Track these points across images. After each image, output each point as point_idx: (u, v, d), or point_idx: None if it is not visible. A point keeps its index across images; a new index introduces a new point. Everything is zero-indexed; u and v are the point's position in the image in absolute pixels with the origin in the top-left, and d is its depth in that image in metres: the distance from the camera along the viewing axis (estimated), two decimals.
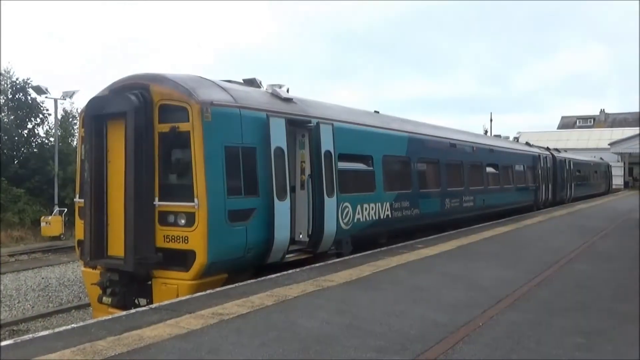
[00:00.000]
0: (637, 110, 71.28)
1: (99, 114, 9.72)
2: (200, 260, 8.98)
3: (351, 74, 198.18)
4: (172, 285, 9.12)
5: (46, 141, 31.24)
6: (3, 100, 29.46)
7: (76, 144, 21.85)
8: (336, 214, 11.63)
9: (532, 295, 8.32)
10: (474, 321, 6.77)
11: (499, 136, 33.34)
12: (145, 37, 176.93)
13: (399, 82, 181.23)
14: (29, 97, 29.99)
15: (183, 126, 9.15)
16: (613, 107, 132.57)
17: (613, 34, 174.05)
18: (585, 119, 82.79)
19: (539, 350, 5.75)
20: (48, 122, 31.00)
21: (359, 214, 12.59)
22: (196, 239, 9.00)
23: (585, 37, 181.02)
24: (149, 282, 9.48)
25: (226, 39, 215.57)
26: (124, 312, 7.26)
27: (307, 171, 11.25)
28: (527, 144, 30.74)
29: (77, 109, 32.34)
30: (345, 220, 12.06)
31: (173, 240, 9.18)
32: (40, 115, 30.76)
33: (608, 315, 7.22)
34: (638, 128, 59.37)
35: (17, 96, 29.82)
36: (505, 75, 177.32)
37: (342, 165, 12.07)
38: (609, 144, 59.11)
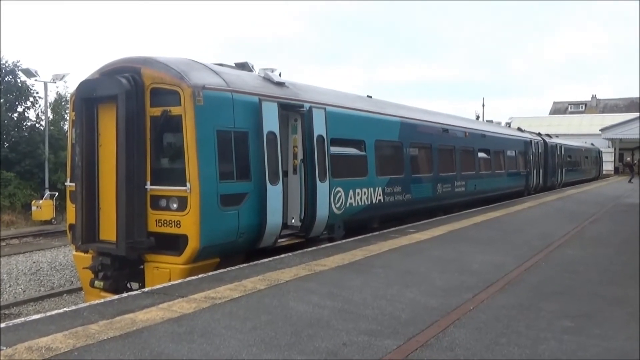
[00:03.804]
0: (629, 96, 71.63)
1: (90, 97, 9.64)
2: (193, 244, 8.98)
3: (344, 58, 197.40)
4: (164, 269, 9.13)
5: (37, 125, 30.98)
6: None
7: (67, 127, 21.73)
8: (328, 199, 11.65)
9: (522, 279, 8.40)
10: (464, 305, 6.83)
11: (491, 121, 33.43)
12: (135, 21, 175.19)
13: (392, 67, 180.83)
14: (19, 80, 29.68)
15: (175, 110, 9.10)
16: (605, 93, 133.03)
17: (609, 17, 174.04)
18: (576, 104, 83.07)
19: (529, 333, 5.81)
20: (39, 106, 30.76)
21: (351, 198, 12.62)
22: (188, 223, 8.99)
23: (581, 21, 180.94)
24: (141, 266, 9.49)
25: (214, 24, 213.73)
26: (116, 296, 7.25)
27: (300, 156, 11.24)
28: (519, 129, 30.79)
29: (68, 93, 32.04)
30: (338, 205, 12.08)
31: (165, 225, 9.17)
32: (31, 99, 30.48)
33: (596, 299, 7.31)
34: (628, 114, 59.68)
35: (6, 79, 29.49)
36: (499, 60, 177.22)
37: (335, 150, 12.07)
38: (600, 130, 59.32)
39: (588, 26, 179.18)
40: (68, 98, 31.89)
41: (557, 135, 40.65)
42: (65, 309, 6.56)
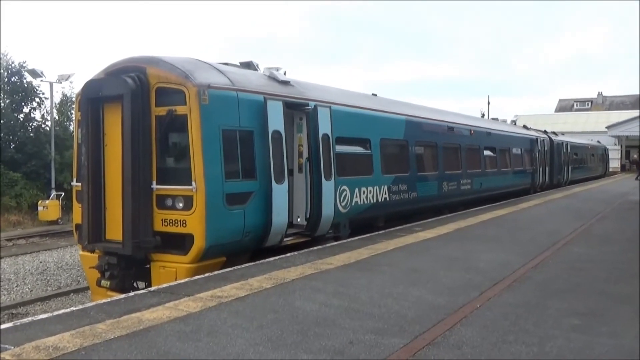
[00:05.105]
0: (635, 93, 71.31)
1: (95, 97, 9.66)
2: (199, 243, 8.99)
3: (346, 56, 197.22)
4: (170, 268, 9.14)
5: (43, 125, 31.09)
6: None
7: (73, 127, 21.87)
8: (334, 197, 11.63)
9: (529, 277, 8.37)
10: (471, 303, 6.81)
11: (496, 119, 33.30)
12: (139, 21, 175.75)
13: (397, 65, 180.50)
14: (25, 81, 29.78)
15: (180, 109, 9.10)
16: (611, 90, 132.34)
17: (614, 14, 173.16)
18: (582, 101, 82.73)
19: (536, 331, 5.79)
20: (45, 106, 30.86)
21: (356, 197, 12.60)
22: (194, 223, 9.00)
23: (586, 18, 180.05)
24: (148, 266, 9.51)
25: (216, 23, 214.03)
26: (123, 295, 7.27)
27: (305, 154, 11.23)
28: (525, 127, 30.70)
29: (74, 93, 32.15)
30: (343, 204, 12.07)
31: (171, 224, 9.18)
32: (37, 99, 30.59)
33: (603, 297, 7.27)
34: (634, 111, 59.44)
35: (12, 80, 29.60)
36: (504, 57, 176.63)
37: (340, 148, 12.05)
38: (606, 127, 59.11)
39: (593, 24, 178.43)
40: (73, 98, 32.10)
41: (562, 133, 40.53)
42: (72, 308, 6.59)
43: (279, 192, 10.13)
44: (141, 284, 9.82)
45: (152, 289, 7.63)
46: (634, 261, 9.60)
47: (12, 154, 28.51)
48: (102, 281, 9.70)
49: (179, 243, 9.16)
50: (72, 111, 31.68)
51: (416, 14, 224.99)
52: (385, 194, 13.80)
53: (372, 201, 13.21)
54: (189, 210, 9.02)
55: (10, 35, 78.72)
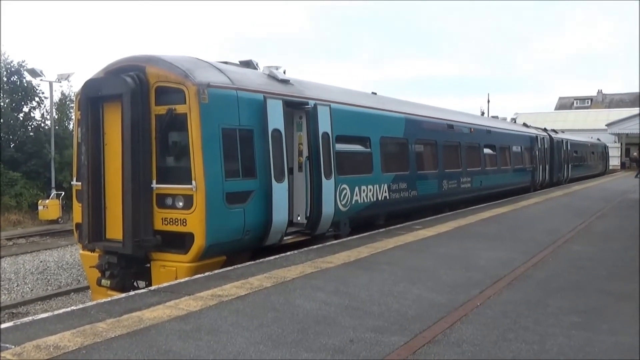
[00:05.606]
0: (635, 91, 71.34)
1: (95, 96, 9.66)
2: (199, 242, 8.99)
3: (347, 54, 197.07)
4: (170, 267, 9.15)
5: (42, 124, 31.10)
6: None
7: (73, 127, 21.93)
8: (334, 196, 11.63)
9: (530, 275, 8.37)
10: (471, 301, 6.82)
11: (496, 117, 33.27)
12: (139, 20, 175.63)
13: (397, 63, 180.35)
14: (24, 80, 29.78)
15: (180, 108, 9.10)
16: (611, 88, 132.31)
17: (616, 13, 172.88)
18: (582, 99, 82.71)
19: (536, 329, 5.80)
20: (45, 106, 30.87)
21: (356, 195, 12.60)
22: (194, 222, 9.00)
23: (586, 16, 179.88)
24: (148, 265, 9.51)
25: (216, 22, 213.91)
26: (123, 295, 7.28)
27: (305, 153, 11.22)
28: (525, 125, 30.66)
29: (73, 92, 32.18)
30: (343, 202, 12.07)
31: (171, 223, 9.19)
32: (37, 99, 30.58)
33: (604, 295, 7.28)
34: (634, 109, 59.45)
35: (12, 79, 29.60)
36: (504, 55, 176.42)
37: (340, 147, 12.05)
38: (606, 125, 59.05)
39: (594, 22, 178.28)
40: (73, 97, 32.11)
41: (562, 131, 40.47)
42: (72, 307, 6.59)
43: (279, 190, 10.13)
44: (141, 283, 9.83)
45: (152, 288, 7.64)
46: (634, 259, 9.61)
47: (11, 153, 28.52)
48: (103, 280, 9.70)
49: (179, 242, 9.16)
50: (72, 110, 31.70)
51: (416, 12, 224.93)
52: (385, 192, 13.80)
53: (372, 200, 13.21)
54: (189, 209, 9.02)
55: (10, 34, 78.74)
